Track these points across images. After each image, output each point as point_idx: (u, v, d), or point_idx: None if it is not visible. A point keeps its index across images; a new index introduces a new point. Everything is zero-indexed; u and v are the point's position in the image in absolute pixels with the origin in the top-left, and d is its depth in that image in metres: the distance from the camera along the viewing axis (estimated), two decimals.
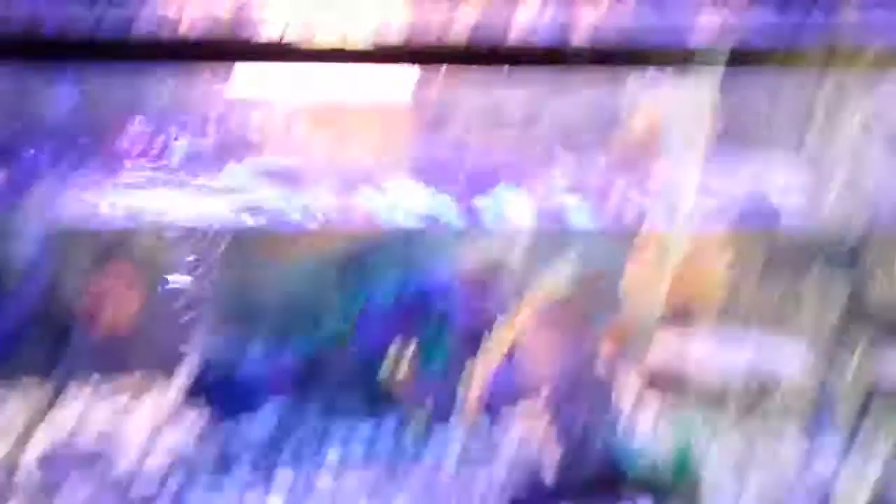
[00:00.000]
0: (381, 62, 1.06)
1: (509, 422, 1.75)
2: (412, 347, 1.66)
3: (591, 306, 1.81)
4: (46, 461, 1.66)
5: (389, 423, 1.74)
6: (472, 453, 1.69)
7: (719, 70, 1.37)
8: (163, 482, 1.62)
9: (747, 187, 1.54)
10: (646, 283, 1.71)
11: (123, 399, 1.81)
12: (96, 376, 1.84)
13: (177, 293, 1.79)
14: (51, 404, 1.80)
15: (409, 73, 1.38)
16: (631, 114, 1.55)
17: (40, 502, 1.59)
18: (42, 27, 1.10)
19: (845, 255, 1.63)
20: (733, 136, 1.53)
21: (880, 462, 1.55)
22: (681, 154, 1.51)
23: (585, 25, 1.10)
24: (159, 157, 1.56)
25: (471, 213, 1.62)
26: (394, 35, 1.02)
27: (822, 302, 1.65)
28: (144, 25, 1.10)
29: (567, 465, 1.65)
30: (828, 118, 1.47)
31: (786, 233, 1.61)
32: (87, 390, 1.83)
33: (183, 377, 1.85)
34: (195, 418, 1.75)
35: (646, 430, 1.74)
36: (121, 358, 1.82)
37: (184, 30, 1.10)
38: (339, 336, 1.72)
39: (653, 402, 1.78)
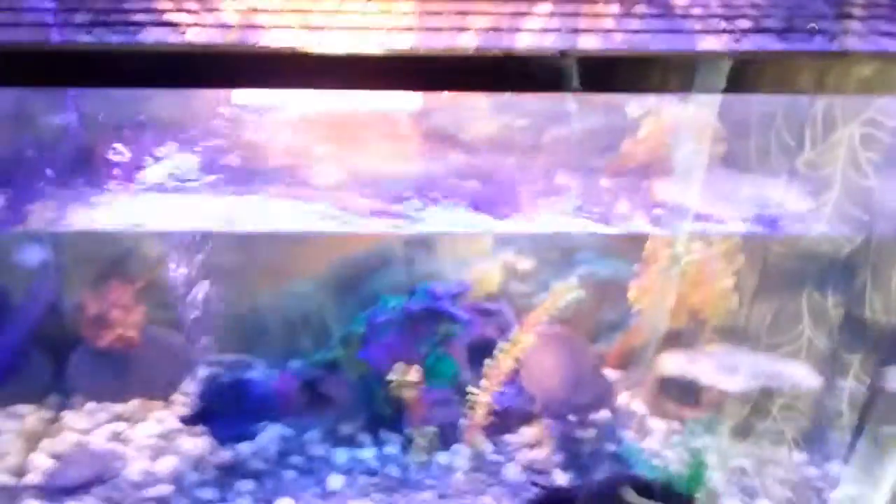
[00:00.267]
0: (389, 76, 1.06)
1: (514, 442, 1.74)
2: (417, 370, 1.64)
3: (598, 321, 1.81)
4: (46, 485, 1.63)
5: (393, 447, 1.72)
6: (479, 472, 1.67)
7: (721, 89, 1.39)
8: None
9: (750, 202, 1.55)
10: (653, 297, 1.71)
11: (122, 424, 1.79)
12: (95, 400, 1.82)
13: (178, 312, 1.78)
14: (50, 427, 1.77)
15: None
16: (636, 131, 1.56)
17: None
18: (45, 45, 1.10)
19: (843, 268, 1.63)
20: (735, 152, 1.54)
21: (887, 476, 1.54)
22: (685, 170, 1.52)
23: (589, 46, 1.11)
24: (163, 168, 1.56)
25: (477, 229, 1.61)
26: (401, 47, 1.03)
27: (822, 316, 1.66)
28: (149, 37, 1.10)
29: (574, 481, 1.63)
30: (826, 134, 1.48)
31: (786, 245, 1.62)
32: (86, 414, 1.81)
33: (182, 402, 1.83)
34: (195, 444, 1.72)
35: (655, 443, 1.73)
36: (120, 381, 1.80)
37: (189, 40, 1.10)
38: (342, 358, 1.70)
39: (661, 415, 1.77)
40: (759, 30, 1.18)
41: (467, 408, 1.68)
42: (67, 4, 1.18)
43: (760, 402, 1.68)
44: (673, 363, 1.76)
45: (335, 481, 1.64)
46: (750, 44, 1.16)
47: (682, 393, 1.75)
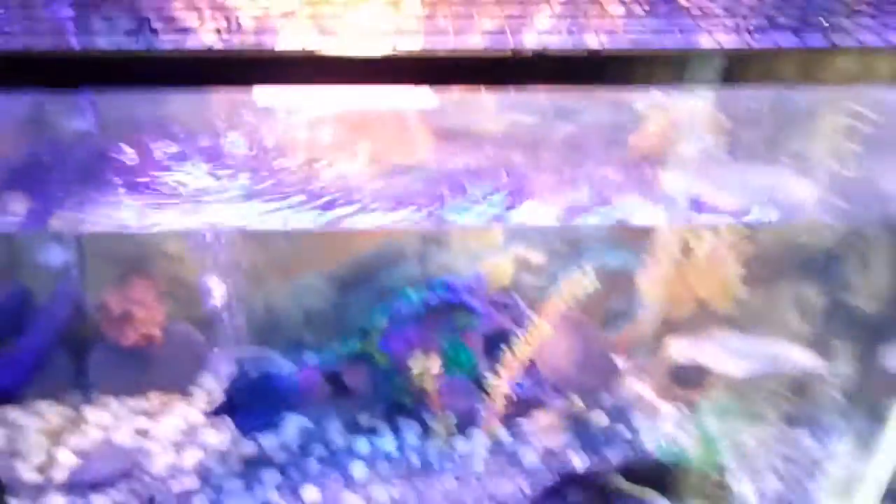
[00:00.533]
0: (395, 75, 1.11)
1: (532, 426, 1.79)
2: (436, 360, 1.69)
3: (608, 310, 1.88)
4: (73, 478, 1.65)
5: (413, 435, 1.77)
6: (497, 458, 1.72)
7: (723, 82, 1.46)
8: (189, 498, 1.62)
9: (753, 190, 1.62)
10: (663, 284, 1.78)
11: (145, 419, 1.82)
12: (117, 396, 1.85)
13: (199, 309, 1.81)
14: (73, 424, 1.79)
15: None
16: (642, 123, 1.63)
17: None
18: (62, 50, 1.14)
19: (835, 255, 1.71)
20: (737, 143, 1.61)
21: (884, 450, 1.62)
22: (691, 162, 1.58)
23: (596, 41, 1.17)
24: (183, 168, 1.59)
25: (487, 222, 1.67)
26: (408, 47, 1.08)
27: (814, 302, 1.74)
28: (165, 41, 1.14)
29: (591, 464, 1.69)
30: (822, 125, 1.56)
31: (788, 231, 1.69)
32: (109, 410, 1.83)
33: (204, 397, 1.86)
34: (218, 437, 1.76)
35: (667, 426, 1.80)
36: (142, 377, 1.83)
37: (205, 44, 1.14)
38: (363, 350, 1.74)
39: (671, 399, 1.84)
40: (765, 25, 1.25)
41: (485, 396, 1.74)
42: (85, 10, 1.22)
43: (764, 384, 1.76)
44: (680, 348, 1.83)
45: (358, 470, 1.69)
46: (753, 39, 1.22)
47: (688, 377, 1.82)
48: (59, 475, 1.67)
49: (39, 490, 1.64)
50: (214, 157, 1.62)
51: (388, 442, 1.76)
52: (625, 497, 1.61)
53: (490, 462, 1.71)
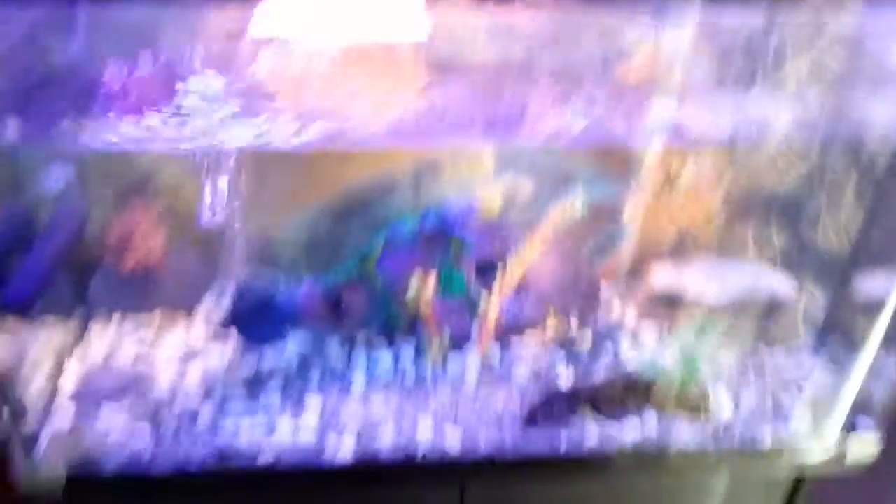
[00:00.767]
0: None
1: (522, 345, 1.88)
2: (432, 279, 1.77)
3: (597, 235, 1.95)
4: (81, 390, 1.72)
5: (409, 352, 1.85)
6: (489, 374, 1.81)
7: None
8: (196, 408, 1.69)
9: (735, 114, 1.67)
10: (648, 211, 1.86)
11: (154, 330, 1.88)
12: (121, 315, 1.90)
13: (204, 225, 1.85)
14: (81, 337, 1.85)
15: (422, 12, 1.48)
16: (631, 50, 1.67)
17: (76, 431, 1.65)
18: None
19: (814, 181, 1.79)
20: (720, 69, 1.67)
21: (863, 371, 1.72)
22: (677, 87, 1.64)
23: None
24: (178, 91, 1.61)
25: (482, 149, 1.73)
26: None
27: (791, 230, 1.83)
28: None
29: (577, 379, 1.79)
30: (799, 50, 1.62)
31: (766, 157, 1.77)
32: (119, 323, 1.89)
33: (212, 307, 1.92)
34: (226, 346, 1.83)
35: (651, 345, 1.90)
36: (150, 291, 1.88)
37: None
38: (362, 271, 1.81)
39: (655, 320, 1.94)
40: None
41: (477, 316, 1.82)
42: None
43: (743, 307, 1.86)
44: (662, 274, 1.92)
45: (357, 382, 1.78)
46: None
47: (671, 301, 1.91)
48: (67, 387, 1.73)
49: (47, 402, 1.70)
50: (213, 80, 1.65)
51: (385, 357, 1.85)
52: (611, 407, 1.71)
53: (482, 378, 1.81)
